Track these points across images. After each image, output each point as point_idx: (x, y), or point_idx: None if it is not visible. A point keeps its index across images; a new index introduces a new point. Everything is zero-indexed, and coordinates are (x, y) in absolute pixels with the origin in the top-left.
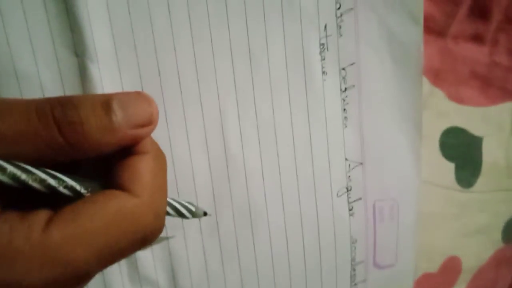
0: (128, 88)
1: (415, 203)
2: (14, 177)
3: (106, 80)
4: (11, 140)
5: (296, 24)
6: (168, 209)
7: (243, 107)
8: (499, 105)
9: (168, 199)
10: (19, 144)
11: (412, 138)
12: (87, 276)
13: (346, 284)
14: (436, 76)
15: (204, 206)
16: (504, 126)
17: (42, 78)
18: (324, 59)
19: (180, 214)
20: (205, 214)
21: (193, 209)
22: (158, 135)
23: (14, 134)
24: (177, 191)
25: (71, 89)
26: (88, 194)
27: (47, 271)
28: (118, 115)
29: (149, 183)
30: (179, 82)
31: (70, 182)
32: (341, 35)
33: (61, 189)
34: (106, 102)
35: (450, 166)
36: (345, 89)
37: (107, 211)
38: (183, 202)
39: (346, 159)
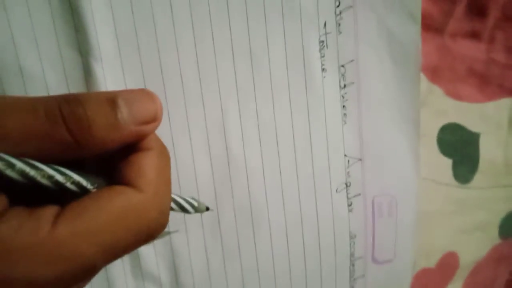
0: (132, 86)
1: (413, 199)
2: (23, 173)
3: (109, 79)
4: (20, 137)
5: (296, 22)
6: (172, 204)
7: (244, 105)
8: (496, 101)
9: (172, 195)
10: (27, 141)
11: (410, 134)
12: (94, 270)
13: (345, 279)
14: (434, 73)
15: (203, 202)
16: (501, 122)
17: (47, 76)
18: (323, 57)
19: (183, 209)
20: (207, 209)
21: (195, 204)
22: (161, 133)
23: (22, 131)
24: (180, 189)
25: (75, 88)
26: (94, 190)
27: (55, 266)
28: (124, 112)
29: (154, 179)
30: (181, 82)
31: (77, 178)
32: (340, 33)
33: (68, 185)
34: (112, 99)
35: (448, 162)
36: (344, 86)
37: (113, 206)
38: (186, 198)
39: (345, 155)
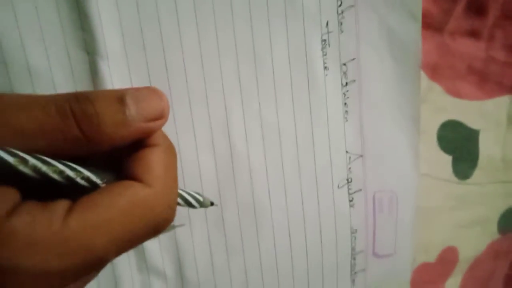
0: (137, 84)
1: (413, 194)
2: (35, 169)
3: (115, 77)
4: (32, 134)
5: (299, 22)
6: (178, 198)
7: (248, 103)
8: (495, 99)
9: (178, 190)
10: (39, 138)
11: (411, 131)
12: (104, 261)
13: (346, 273)
14: (434, 71)
15: (208, 197)
16: (500, 119)
17: (54, 75)
18: (325, 55)
19: (189, 204)
20: (211, 204)
21: (200, 199)
22: (166, 131)
23: (34, 128)
24: (184, 186)
25: (82, 86)
26: (104, 185)
27: (68, 258)
28: (132, 109)
29: (161, 174)
30: (186, 81)
31: (87, 173)
32: (342, 32)
33: (78, 180)
34: (120, 97)
35: (448, 159)
36: (346, 83)
37: (123, 200)
38: (191, 192)
39: (346, 152)
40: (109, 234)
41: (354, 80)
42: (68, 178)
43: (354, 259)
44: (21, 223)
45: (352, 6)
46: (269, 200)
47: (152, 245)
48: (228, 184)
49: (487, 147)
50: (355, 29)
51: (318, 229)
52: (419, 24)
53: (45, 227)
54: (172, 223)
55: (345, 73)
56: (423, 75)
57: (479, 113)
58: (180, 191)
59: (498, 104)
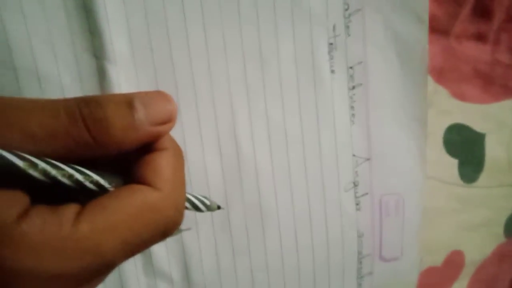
0: (145, 88)
1: (420, 198)
2: (45, 172)
3: (123, 81)
4: (42, 138)
5: (306, 25)
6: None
7: (254, 106)
8: (501, 102)
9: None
10: (49, 142)
11: (418, 134)
12: (113, 265)
13: (353, 277)
14: (440, 74)
15: (215, 201)
16: (506, 122)
17: (63, 79)
18: (332, 58)
19: (196, 208)
20: (218, 207)
21: (207, 202)
22: (172, 133)
23: (44, 132)
24: (191, 188)
25: (89, 89)
26: (112, 189)
27: (78, 262)
28: (140, 113)
29: (169, 177)
30: (193, 83)
31: (96, 177)
32: (349, 35)
33: (87, 183)
34: (129, 100)
35: (454, 162)
36: (353, 87)
37: (132, 204)
38: (198, 196)
39: (353, 155)
40: (119, 238)
41: (361, 84)
42: (77, 182)
43: (361, 262)
44: (32, 227)
45: (359, 9)
46: (275, 202)
47: (158, 249)
48: (235, 186)
49: (493, 150)
50: (362, 33)
51: (325, 232)
52: (426, 28)
53: (55, 231)
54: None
55: (351, 76)
56: (429, 78)
57: (484, 116)
58: (187, 195)
59: (503, 107)
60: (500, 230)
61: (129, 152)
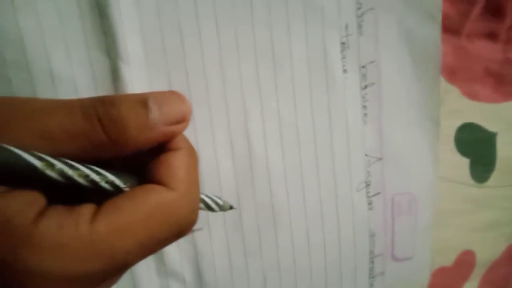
0: (158, 88)
1: (432, 197)
2: (61, 173)
3: (136, 80)
4: (58, 138)
5: (318, 25)
6: None
7: (266, 105)
8: None
9: None
10: (65, 142)
11: (430, 133)
12: (129, 265)
13: (365, 277)
14: (451, 73)
15: (227, 201)
16: None
17: (76, 79)
18: (344, 58)
19: (208, 207)
20: (231, 207)
21: (220, 202)
22: (185, 134)
23: (60, 132)
24: (203, 188)
25: (103, 89)
26: (127, 189)
27: (94, 262)
28: (155, 113)
29: (184, 177)
30: (206, 83)
31: (111, 177)
32: (361, 34)
33: (103, 184)
34: (143, 100)
35: (465, 162)
36: (365, 86)
37: (147, 204)
38: (211, 196)
39: (365, 155)
40: (135, 238)
41: (373, 83)
42: (92, 182)
43: (373, 262)
44: (49, 227)
45: (372, 8)
46: (287, 202)
47: (171, 249)
48: (247, 186)
49: (505, 149)
50: (374, 32)
51: (337, 232)
52: (438, 26)
53: (73, 231)
54: None
55: (364, 75)
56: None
57: (496, 115)
58: (201, 195)
59: None
60: (511, 230)
61: (143, 152)
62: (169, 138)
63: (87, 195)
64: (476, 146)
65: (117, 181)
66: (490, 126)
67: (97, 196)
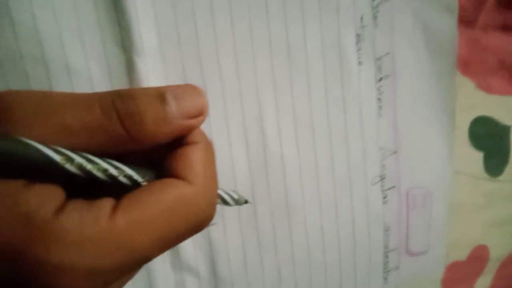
0: (172, 80)
1: (447, 191)
2: (81, 167)
3: (151, 74)
4: (77, 132)
5: (333, 16)
6: None
7: (281, 99)
8: None
9: None
10: (84, 136)
11: (445, 127)
12: (147, 260)
13: (379, 271)
14: (465, 66)
15: (243, 195)
16: None
17: (92, 72)
18: (360, 50)
19: (224, 201)
20: (246, 202)
21: (235, 196)
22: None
23: (80, 126)
24: (218, 182)
25: (118, 83)
26: (145, 183)
27: (115, 256)
28: (172, 107)
29: (202, 171)
30: (220, 77)
31: (129, 171)
32: (376, 26)
33: (121, 178)
34: (161, 94)
35: (479, 155)
36: (380, 78)
37: (166, 198)
38: (227, 190)
39: (380, 148)
40: (154, 232)
41: (389, 75)
42: (111, 176)
43: (387, 256)
44: (70, 221)
45: (387, 0)
46: (302, 196)
47: (186, 244)
48: (261, 180)
49: None
50: (389, 23)
51: (351, 226)
52: (455, 18)
53: (93, 225)
54: None
55: (379, 68)
56: None
57: (510, 108)
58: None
59: None
60: None
61: (159, 146)
62: (186, 132)
63: (103, 189)
64: (490, 139)
65: (135, 175)
66: (504, 119)
67: (114, 190)
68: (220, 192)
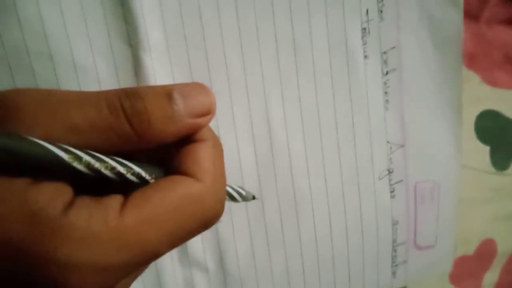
0: (179, 76)
1: (455, 184)
2: (89, 165)
3: (158, 70)
4: (85, 131)
5: (339, 10)
6: None
7: (288, 93)
8: None
9: None
10: (91, 135)
11: (452, 120)
12: (156, 257)
13: (387, 265)
14: (471, 60)
15: (250, 191)
16: None
17: (99, 69)
18: (365, 44)
19: (232, 198)
20: (253, 198)
21: (243, 193)
22: None
23: (87, 125)
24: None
25: (125, 79)
26: (153, 181)
27: (124, 253)
28: (180, 105)
29: (210, 168)
30: (227, 71)
31: (137, 169)
32: (382, 20)
33: (129, 176)
34: (168, 92)
35: (485, 149)
36: (387, 72)
37: (175, 195)
38: (234, 187)
39: (387, 142)
40: (163, 229)
41: (395, 69)
42: (119, 174)
43: (395, 251)
44: (78, 218)
45: None
46: (309, 191)
47: (194, 239)
48: (268, 174)
49: None
50: (395, 17)
51: (359, 220)
52: (460, 11)
53: (102, 221)
54: None
55: (385, 61)
56: None
57: None
58: None
59: None
60: None
61: (167, 144)
62: (194, 131)
63: (110, 188)
64: (496, 133)
65: (143, 173)
66: (510, 113)
67: (121, 188)
68: (227, 188)
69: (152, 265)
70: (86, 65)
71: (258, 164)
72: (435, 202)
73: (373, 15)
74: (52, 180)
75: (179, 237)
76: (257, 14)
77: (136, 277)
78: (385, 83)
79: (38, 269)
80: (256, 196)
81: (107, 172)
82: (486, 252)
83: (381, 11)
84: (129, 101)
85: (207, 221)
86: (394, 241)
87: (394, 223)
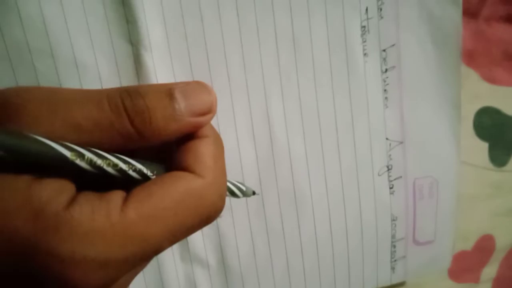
0: (180, 74)
1: (453, 180)
2: (91, 162)
3: (159, 68)
4: (87, 129)
5: (338, 8)
6: None
7: (287, 91)
8: None
9: None
10: (93, 133)
11: (451, 117)
12: (157, 253)
13: (386, 261)
14: (470, 57)
15: (250, 186)
16: None
17: (100, 67)
18: (365, 41)
19: (232, 193)
20: (253, 193)
21: (243, 188)
22: None
23: (89, 123)
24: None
25: (126, 77)
26: (154, 177)
27: (126, 248)
28: (181, 104)
29: (211, 164)
30: (227, 68)
31: (139, 165)
32: (381, 18)
33: (130, 172)
34: (169, 91)
35: (484, 146)
36: (386, 70)
37: (176, 190)
38: (235, 182)
39: (386, 139)
40: (164, 224)
41: (394, 66)
42: (121, 171)
43: (394, 246)
44: (81, 213)
45: None
46: (309, 187)
47: (195, 235)
48: (269, 171)
49: None
50: (394, 15)
51: (358, 217)
52: (459, 9)
53: (104, 217)
54: None
55: (385, 59)
56: None
57: None
58: None
59: None
60: None
61: (168, 142)
62: (195, 130)
63: (112, 185)
64: (495, 130)
65: (145, 170)
66: (508, 110)
67: (123, 185)
68: (228, 184)
69: (154, 261)
70: (87, 62)
71: (259, 161)
72: (434, 198)
73: (373, 13)
74: (55, 177)
75: (180, 232)
76: (257, 12)
77: (137, 272)
78: (384, 81)
79: (42, 264)
80: (257, 191)
81: (109, 169)
82: (484, 247)
83: (381, 9)
84: (130, 100)
85: (208, 217)
86: (393, 236)
87: (393, 219)
